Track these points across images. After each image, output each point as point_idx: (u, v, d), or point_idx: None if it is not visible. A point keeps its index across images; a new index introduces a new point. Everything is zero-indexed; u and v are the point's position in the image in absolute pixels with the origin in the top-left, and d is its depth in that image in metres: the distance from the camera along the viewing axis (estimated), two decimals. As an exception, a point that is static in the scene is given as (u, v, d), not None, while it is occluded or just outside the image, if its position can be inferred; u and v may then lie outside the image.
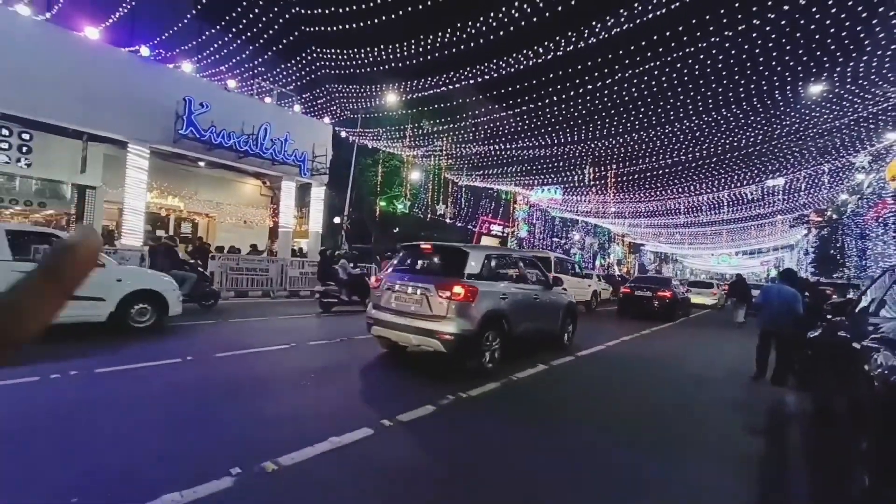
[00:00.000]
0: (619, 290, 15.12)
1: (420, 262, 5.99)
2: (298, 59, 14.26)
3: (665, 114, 15.93)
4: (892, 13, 11.17)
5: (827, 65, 13.30)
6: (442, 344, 4.92)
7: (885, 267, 5.27)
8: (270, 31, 12.41)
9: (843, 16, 10.29)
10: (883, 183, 17.80)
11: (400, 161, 23.75)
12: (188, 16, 12.32)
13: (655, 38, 11.84)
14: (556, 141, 18.91)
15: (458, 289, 5.01)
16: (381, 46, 12.89)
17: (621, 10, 10.20)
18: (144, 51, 12.19)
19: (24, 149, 11.32)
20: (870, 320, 3.23)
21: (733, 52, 12.27)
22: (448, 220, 27.58)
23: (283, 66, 14.81)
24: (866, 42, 12.31)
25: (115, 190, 12.29)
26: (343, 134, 18.32)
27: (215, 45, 13.21)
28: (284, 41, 12.98)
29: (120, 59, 11.64)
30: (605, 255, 45.57)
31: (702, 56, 12.20)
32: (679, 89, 14.16)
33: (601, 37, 11.07)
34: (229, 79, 13.95)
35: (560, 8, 10.27)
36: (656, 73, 13.06)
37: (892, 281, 3.31)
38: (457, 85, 14.18)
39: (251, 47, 13.57)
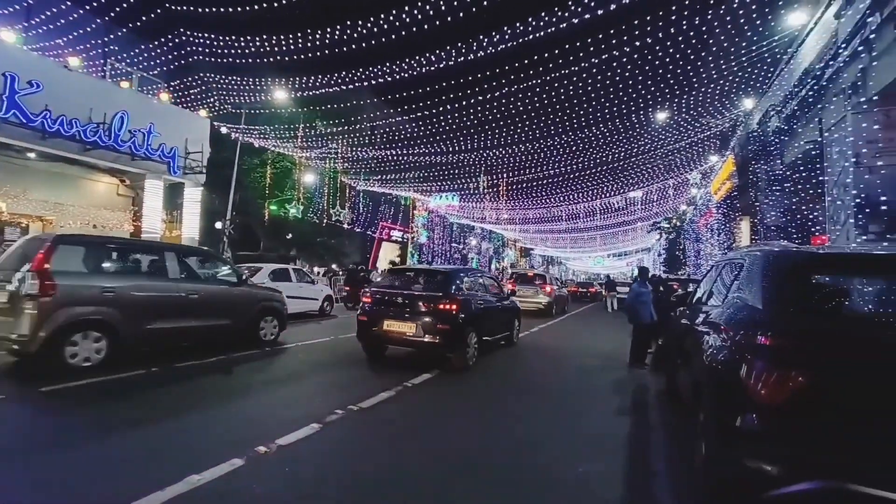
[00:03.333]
0: None
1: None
2: (164, 40, 12.55)
3: (549, 128, 17.52)
4: (711, 58, 13.83)
5: (669, 95, 15.90)
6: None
7: (711, 264, 6.38)
8: (126, 3, 10.72)
9: (679, 55, 12.40)
10: (709, 196, 21.81)
11: (292, 162, 22.36)
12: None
13: (537, 57, 12.95)
14: (452, 148, 19.55)
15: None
16: (267, 36, 11.98)
17: (506, 29, 10.94)
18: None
19: None
20: (701, 308, 3.81)
21: (600, 77, 13.98)
22: (346, 226, 26.71)
23: (144, 46, 12.89)
24: (694, 80, 15.03)
25: None
26: (224, 130, 16.60)
27: (51, 12, 10.97)
28: (145, 17, 11.31)
29: None
30: (499, 259, 48.40)
31: (575, 78, 13.67)
32: (558, 106, 15.70)
33: (489, 51, 11.73)
34: (71, 55, 11.68)
35: (451, 18, 10.63)
36: (538, 89, 14.30)
37: (717, 275, 3.96)
38: (351, 86, 13.80)
39: (101, 20, 11.56)
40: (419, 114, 15.91)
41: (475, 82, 13.71)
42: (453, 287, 6.15)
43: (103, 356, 5.02)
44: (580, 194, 25.05)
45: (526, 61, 12.86)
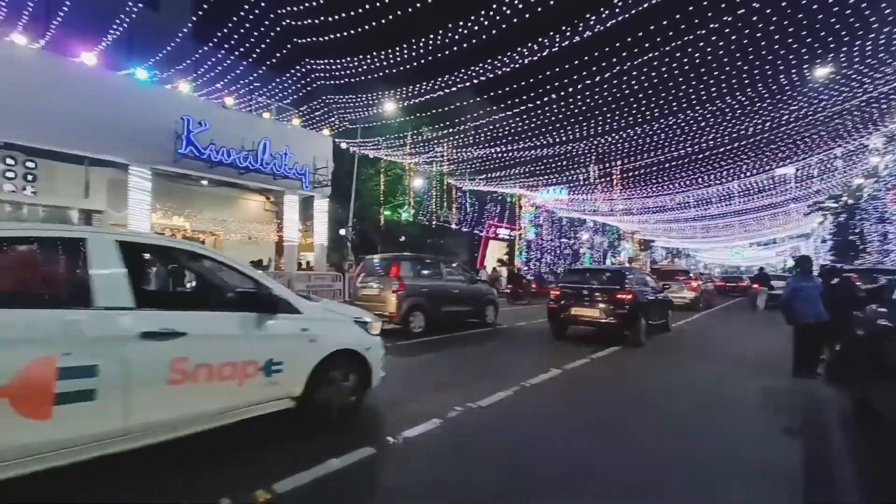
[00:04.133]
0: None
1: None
2: (293, 72, 14.29)
3: (668, 105, 15.64)
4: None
5: (832, 45, 12.93)
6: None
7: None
8: (263, 46, 12.44)
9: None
10: (900, 163, 17.27)
11: (402, 169, 23.70)
12: (181, 34, 12.44)
13: (653, 27, 11.62)
14: (558, 139, 18.70)
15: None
16: (375, 53, 12.85)
17: (616, 0, 10.02)
18: (141, 73, 12.30)
19: (30, 177, 11.43)
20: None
21: (734, 37, 11.99)
22: (454, 226, 27.41)
23: (278, 80, 14.86)
24: (872, 19, 11.95)
25: (120, 213, 12.33)
26: (343, 145, 18.31)
27: (210, 63, 13.30)
28: (278, 55, 13.00)
29: (117, 83, 11.74)
30: (615, 253, 44.98)
31: (702, 43, 11.94)
32: (680, 79, 13.88)
33: (597, 29, 10.89)
34: (226, 96, 14.01)
35: (553, 2, 10.11)
36: (655, 63, 12.82)
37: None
38: (454, 88, 14.07)
39: (245, 63, 13.64)
40: (522, 107, 15.54)
41: (582, 65, 12.87)
42: (626, 282, 8.12)
43: (423, 327, 8.57)
44: (712, 176, 21.89)
45: (641, 32, 11.64)
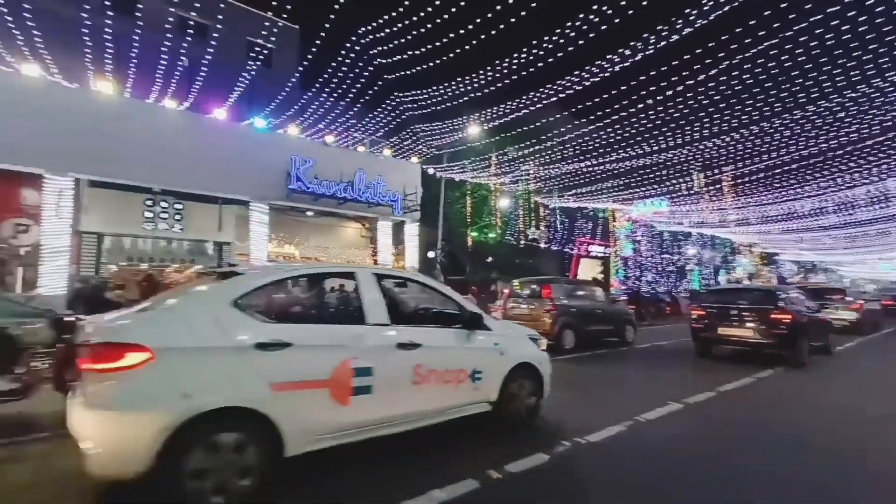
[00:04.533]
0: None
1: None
2: (384, 106, 15.31)
3: (791, 96, 13.60)
4: None
5: None
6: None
7: None
8: (358, 86, 13.55)
9: None
10: None
11: (487, 190, 23.83)
12: (289, 85, 14.08)
13: (768, 12, 10.28)
14: (654, 148, 17.31)
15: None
16: (459, 78, 13.23)
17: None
18: (259, 122, 14.14)
19: (178, 216, 13.66)
20: None
21: (881, 7, 10.08)
22: (542, 245, 26.64)
23: (371, 115, 16.02)
24: None
25: (243, 243, 14.10)
26: (430, 171, 19.00)
27: (314, 107, 14.81)
28: (370, 92, 14.07)
29: (241, 132, 13.64)
30: (728, 269, 39.81)
31: (835, 22, 10.23)
32: (808, 65, 12.00)
33: (696, 24, 9.96)
34: (327, 135, 15.45)
35: (644, 2, 9.50)
36: (775, 51, 11.27)
37: None
38: (538, 105, 13.87)
39: (343, 103, 14.95)
40: (613, 117, 14.73)
41: (680, 66, 11.83)
42: (780, 300, 7.93)
43: (573, 343, 8.98)
44: (857, 175, 18.39)
45: (752, 20, 10.36)
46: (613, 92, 13.39)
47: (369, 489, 2.88)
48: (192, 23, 14.31)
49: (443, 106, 14.62)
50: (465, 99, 13.97)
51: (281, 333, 2.84)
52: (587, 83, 12.47)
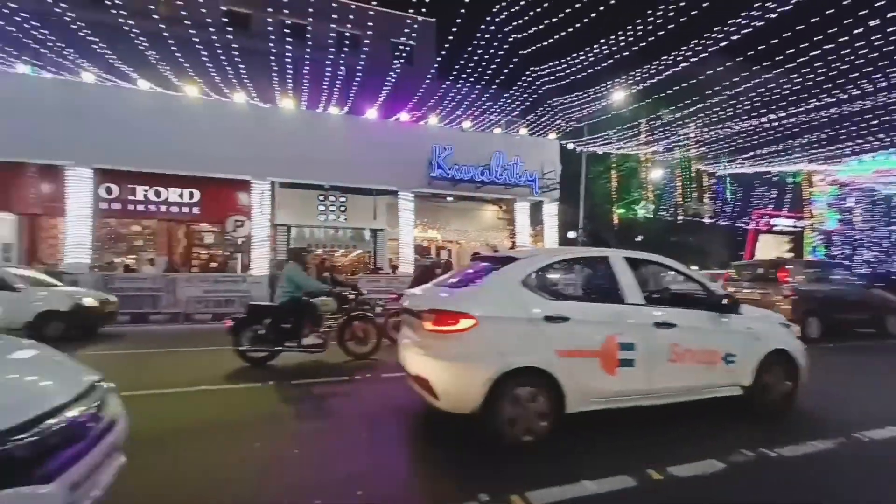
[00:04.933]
0: None
1: None
2: (519, 84, 14.95)
3: None
4: None
5: None
6: None
7: None
8: (493, 66, 13.50)
9: None
10: None
11: (636, 162, 21.47)
12: (429, 77, 14.78)
13: None
14: (878, 86, 13.11)
15: None
16: (601, 40, 12.06)
17: None
18: (404, 116, 15.29)
19: (343, 208, 15.81)
20: None
21: None
22: (707, 220, 22.95)
23: (507, 95, 15.82)
24: None
25: (394, 230, 15.62)
26: (570, 146, 17.97)
27: (451, 95, 15.29)
28: (505, 71, 13.88)
29: (389, 128, 14.95)
30: None
31: None
32: None
33: None
34: (464, 120, 15.85)
35: None
36: None
37: None
38: (701, 56, 11.78)
39: (479, 87, 15.10)
40: (804, 58, 11.62)
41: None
42: None
43: (819, 333, 8.23)
44: None
45: None
46: (813, 20, 10.50)
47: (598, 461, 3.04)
48: (347, 35, 16.18)
49: (582, 74, 13.61)
50: (608, 63, 12.72)
51: (562, 309, 3.41)
52: (772, 15, 10.05)
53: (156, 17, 12.47)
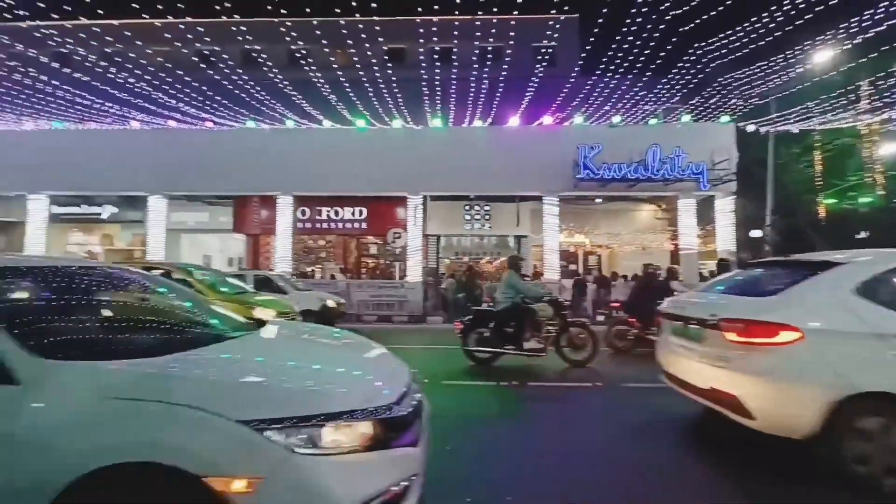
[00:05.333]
0: None
1: None
2: (679, 66, 13.18)
3: None
4: None
5: None
6: None
7: None
8: (646, 52, 12.24)
9: None
10: None
11: (854, 136, 16.71)
12: (573, 76, 14.19)
13: None
14: None
15: None
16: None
17: None
18: (547, 120, 14.99)
19: (487, 216, 16.31)
20: None
21: None
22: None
23: (662, 81, 14.11)
24: None
25: (538, 235, 15.41)
26: (750, 128, 15.02)
27: (597, 91, 14.38)
28: (661, 54, 12.42)
29: (531, 134, 14.85)
30: None
31: None
32: None
33: None
34: (613, 115, 14.72)
35: None
36: None
37: None
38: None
39: (629, 77, 13.85)
40: None
41: None
42: None
43: None
44: None
45: None
46: None
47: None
48: (489, 49, 16.71)
49: (766, 39, 11.26)
50: (807, 16, 10.23)
51: None
52: None
53: (335, 66, 15.02)
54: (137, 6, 12.02)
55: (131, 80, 14.26)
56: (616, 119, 14.83)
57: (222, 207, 15.69)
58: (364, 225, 15.41)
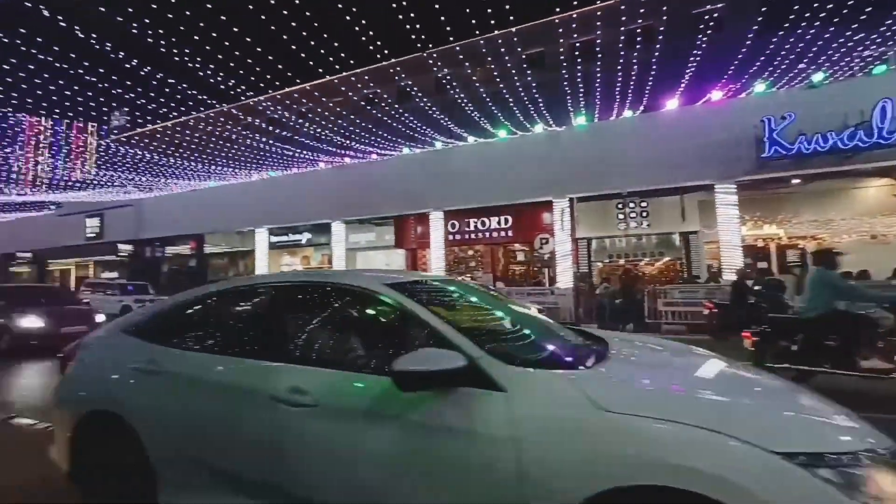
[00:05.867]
0: None
1: None
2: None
3: None
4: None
5: None
6: None
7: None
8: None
9: None
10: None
11: None
12: (748, 38, 11.83)
13: None
14: None
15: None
16: None
17: None
18: (716, 95, 12.80)
19: (644, 213, 14.69)
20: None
21: None
22: None
23: (888, 15, 10.63)
24: None
25: (711, 230, 13.16)
26: None
27: (785, 49, 11.67)
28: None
29: (694, 115, 12.87)
30: None
31: None
32: None
33: None
34: (812, 74, 11.71)
35: None
36: None
37: None
38: None
39: (832, 25, 10.87)
40: None
41: None
42: None
43: None
44: None
45: None
46: None
47: None
48: (639, 31, 15.24)
49: None
50: None
51: None
52: None
53: (476, 83, 15.79)
54: (321, 70, 14.85)
55: (318, 130, 17.58)
56: (818, 77, 11.75)
57: (386, 227, 17.85)
58: (510, 233, 15.56)
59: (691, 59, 12.38)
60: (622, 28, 15.99)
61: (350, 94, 19.75)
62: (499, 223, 15.55)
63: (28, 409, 4.81)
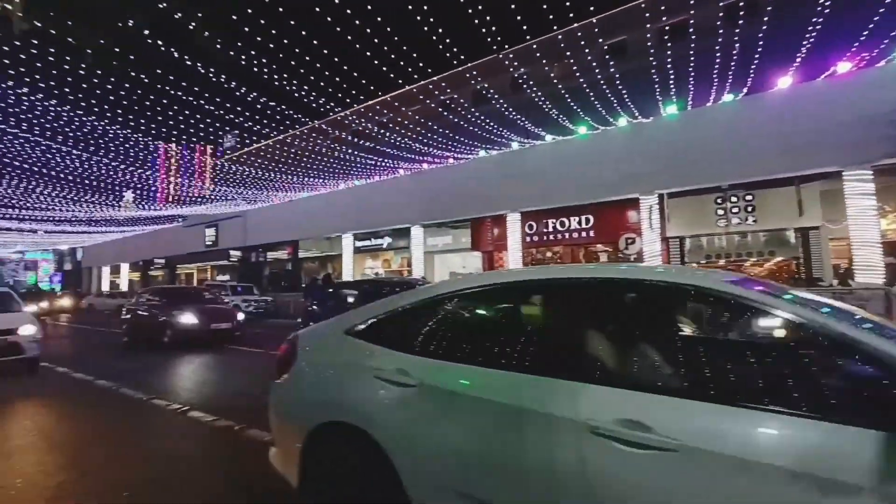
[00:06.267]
0: None
1: None
2: None
3: None
4: None
5: None
6: None
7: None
8: None
9: None
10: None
11: None
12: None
13: None
14: None
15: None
16: None
17: None
18: (842, 67, 10.98)
19: (749, 208, 13.04)
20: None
21: None
22: None
23: None
24: None
25: (838, 225, 11.28)
26: None
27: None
28: None
29: (813, 92, 11.18)
30: None
31: None
32: None
33: None
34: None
35: None
36: None
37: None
38: None
39: None
40: None
41: None
42: None
43: None
44: None
45: None
46: None
47: None
48: (741, 4, 13.60)
49: None
50: None
51: None
52: None
53: (554, 80, 15.29)
54: (400, 80, 15.50)
55: (398, 138, 18.34)
56: None
57: (462, 230, 17.99)
58: (591, 233, 14.80)
59: (811, 27, 10.71)
60: (721, 4, 14.38)
61: (427, 101, 20.31)
62: (579, 223, 14.88)
63: (201, 403, 5.07)
